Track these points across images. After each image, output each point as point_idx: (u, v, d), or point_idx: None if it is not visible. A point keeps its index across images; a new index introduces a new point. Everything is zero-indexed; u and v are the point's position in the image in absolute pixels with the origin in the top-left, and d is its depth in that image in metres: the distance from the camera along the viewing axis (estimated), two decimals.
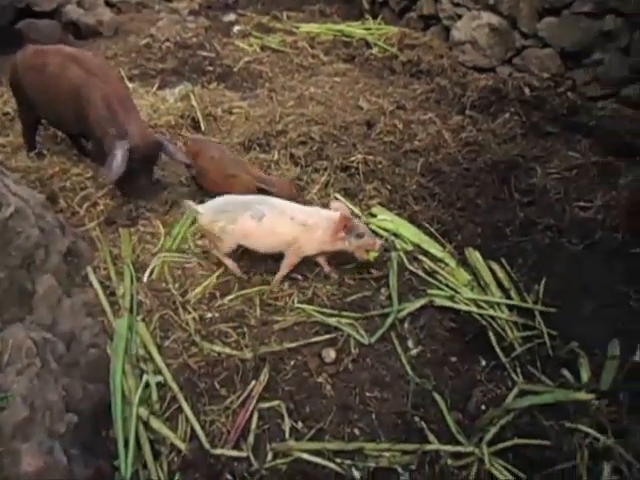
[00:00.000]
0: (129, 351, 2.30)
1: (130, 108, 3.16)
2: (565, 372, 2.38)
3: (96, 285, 2.62)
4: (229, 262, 2.77)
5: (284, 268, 2.72)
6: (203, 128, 4.19)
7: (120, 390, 2.13)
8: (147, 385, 2.19)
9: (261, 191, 2.89)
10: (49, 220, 2.58)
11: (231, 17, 6.75)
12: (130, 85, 4.81)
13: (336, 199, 3.24)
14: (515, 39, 4.98)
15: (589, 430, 2.04)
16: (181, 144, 3.87)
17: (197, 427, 2.06)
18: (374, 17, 6.44)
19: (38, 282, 2.25)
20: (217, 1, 7.57)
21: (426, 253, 2.97)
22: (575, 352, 2.44)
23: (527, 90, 4.62)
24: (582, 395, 2.14)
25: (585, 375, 2.33)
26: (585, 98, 4.45)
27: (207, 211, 2.63)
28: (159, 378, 2.22)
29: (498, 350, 2.48)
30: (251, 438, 2.06)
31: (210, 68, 5.29)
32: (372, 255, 2.71)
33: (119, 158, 2.83)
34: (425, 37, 5.76)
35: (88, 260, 2.80)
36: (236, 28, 6.29)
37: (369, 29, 6.06)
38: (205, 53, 5.55)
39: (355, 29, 6.08)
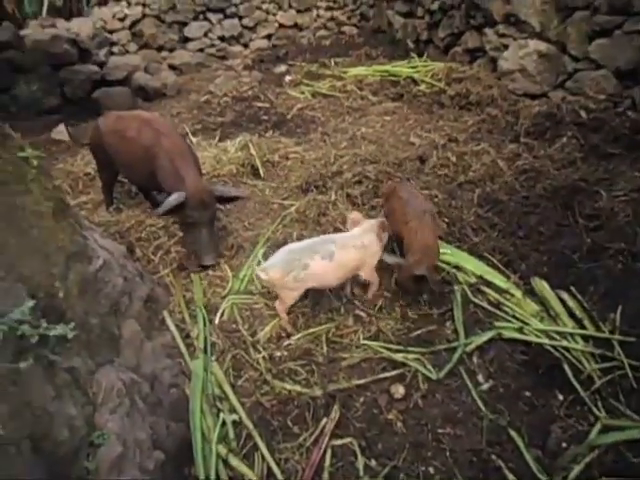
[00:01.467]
0: (206, 390, 2.42)
1: (188, 161, 3.47)
2: None
3: (172, 328, 2.80)
4: (285, 317, 2.82)
5: (374, 282, 2.89)
6: (262, 174, 4.42)
7: (200, 429, 2.24)
8: (224, 423, 2.29)
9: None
10: (130, 269, 2.81)
11: (282, 68, 7.19)
12: (194, 139, 5.20)
13: (350, 212, 3.31)
14: (565, 63, 4.94)
15: None
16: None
17: (273, 464, 2.12)
18: (419, 55, 6.62)
19: (123, 327, 2.43)
20: (268, 55, 8.09)
21: (490, 284, 2.94)
22: None
23: (583, 113, 4.53)
24: None
25: None
26: None
27: (275, 267, 2.64)
28: (235, 417, 2.31)
29: (576, 383, 2.38)
30: (325, 475, 2.09)
31: (265, 117, 5.61)
32: None
33: (170, 200, 3.19)
34: (472, 70, 5.83)
35: (164, 305, 2.99)
36: (287, 78, 6.67)
37: (415, 67, 6.23)
38: (260, 104, 5.91)
39: (401, 68, 6.27)
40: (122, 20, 7.78)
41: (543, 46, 5.10)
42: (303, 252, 2.67)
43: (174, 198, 3.21)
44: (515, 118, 4.82)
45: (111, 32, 7.68)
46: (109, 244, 2.80)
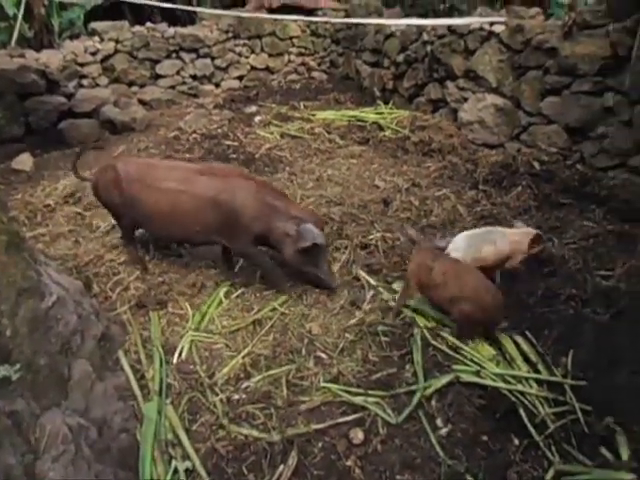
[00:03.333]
0: (158, 435, 2.32)
1: (279, 192, 3.40)
2: (604, 450, 2.29)
3: (127, 369, 2.69)
4: None
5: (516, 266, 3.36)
6: None
7: (149, 477, 2.13)
8: (176, 471, 2.19)
9: None
10: (85, 306, 2.71)
11: (252, 109, 7.31)
12: None
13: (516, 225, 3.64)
14: (520, 117, 5.26)
15: None
16: None
17: None
18: (385, 103, 6.91)
19: (74, 367, 2.32)
20: (239, 95, 8.25)
21: (449, 328, 2.99)
22: (611, 428, 2.36)
23: (537, 164, 4.81)
24: (623, 475, 2.05)
25: (624, 453, 2.23)
26: (595, 169, 4.58)
27: (458, 251, 3.18)
28: (187, 464, 2.22)
29: (530, 428, 2.41)
30: None
31: (234, 156, 5.67)
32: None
33: (315, 235, 3.06)
34: (434, 119, 6.13)
35: (120, 344, 2.89)
36: (257, 118, 6.79)
37: (381, 113, 6.49)
38: (229, 142, 5.97)
39: (368, 114, 6.52)
40: (94, 54, 7.77)
41: (499, 100, 5.44)
42: (477, 239, 3.24)
43: (316, 233, 3.06)
44: (474, 166, 5.06)
45: (82, 65, 7.64)
46: (64, 279, 2.71)
